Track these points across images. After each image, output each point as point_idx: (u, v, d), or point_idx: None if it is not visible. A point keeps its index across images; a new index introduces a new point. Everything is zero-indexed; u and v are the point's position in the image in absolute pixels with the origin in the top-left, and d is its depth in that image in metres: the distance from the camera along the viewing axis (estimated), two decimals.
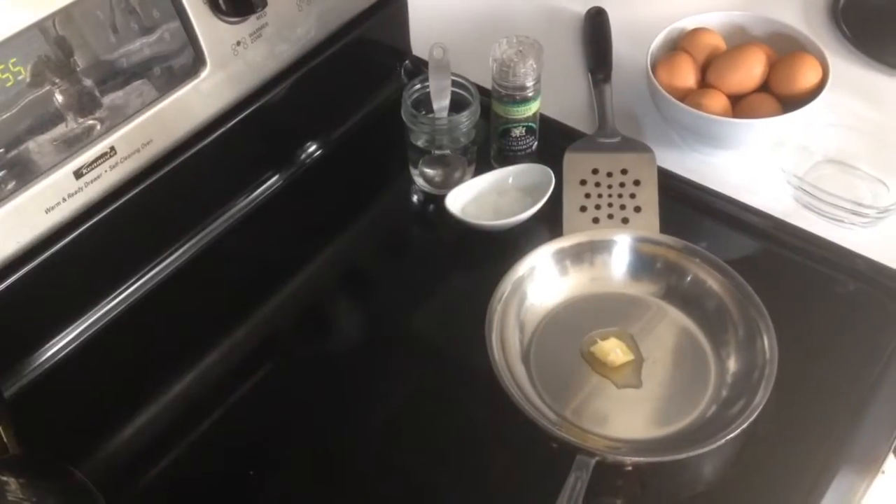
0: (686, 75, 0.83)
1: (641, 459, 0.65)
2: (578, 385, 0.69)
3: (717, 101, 0.81)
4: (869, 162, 0.81)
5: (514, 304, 0.71)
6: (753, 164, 0.84)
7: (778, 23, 0.86)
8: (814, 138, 0.81)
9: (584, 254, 0.74)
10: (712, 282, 0.71)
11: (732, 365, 0.68)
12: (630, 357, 0.69)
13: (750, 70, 0.82)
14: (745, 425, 0.62)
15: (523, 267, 0.72)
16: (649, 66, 0.83)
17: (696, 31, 0.86)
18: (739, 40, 0.86)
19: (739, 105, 0.82)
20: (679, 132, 0.85)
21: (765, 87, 0.83)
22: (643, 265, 0.74)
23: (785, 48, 0.84)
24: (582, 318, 0.72)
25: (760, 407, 0.63)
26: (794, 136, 0.80)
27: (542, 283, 0.73)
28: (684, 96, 0.82)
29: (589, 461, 0.62)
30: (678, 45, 0.86)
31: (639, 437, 0.66)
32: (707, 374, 0.68)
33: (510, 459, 0.67)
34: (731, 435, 0.62)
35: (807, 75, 0.80)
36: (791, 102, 0.80)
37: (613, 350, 0.69)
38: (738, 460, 0.65)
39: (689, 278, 0.72)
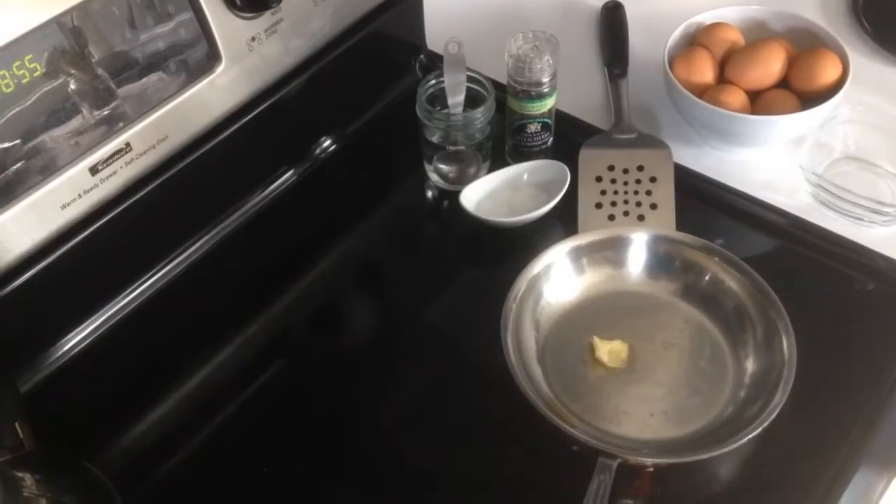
0: (704, 71, 0.82)
1: (664, 460, 0.64)
2: (595, 386, 0.68)
3: (736, 97, 0.80)
4: (889, 159, 0.80)
5: (530, 303, 0.71)
6: (772, 161, 0.83)
7: (797, 17, 0.85)
8: (833, 135, 0.81)
9: (600, 252, 0.74)
10: (731, 281, 0.70)
11: (751, 365, 0.68)
12: (622, 366, 0.69)
13: (769, 66, 0.81)
14: (765, 425, 0.62)
15: (539, 265, 0.71)
16: (666, 61, 0.83)
17: (714, 25, 0.85)
18: (758, 35, 0.85)
19: (758, 101, 0.81)
20: (696, 128, 0.84)
21: (784, 83, 0.82)
22: (661, 263, 0.73)
23: (804, 43, 0.83)
24: (598, 317, 0.72)
25: (779, 408, 0.62)
26: (813, 132, 0.79)
27: (557, 281, 0.72)
28: (702, 92, 0.81)
29: (611, 464, 0.61)
30: (696, 39, 0.85)
31: (657, 438, 0.65)
32: (725, 374, 0.68)
33: (526, 458, 0.66)
34: (752, 435, 0.61)
35: (827, 71, 0.79)
36: (810, 99, 0.79)
37: (610, 352, 0.69)
38: (756, 460, 0.65)
39: (707, 277, 0.72)
